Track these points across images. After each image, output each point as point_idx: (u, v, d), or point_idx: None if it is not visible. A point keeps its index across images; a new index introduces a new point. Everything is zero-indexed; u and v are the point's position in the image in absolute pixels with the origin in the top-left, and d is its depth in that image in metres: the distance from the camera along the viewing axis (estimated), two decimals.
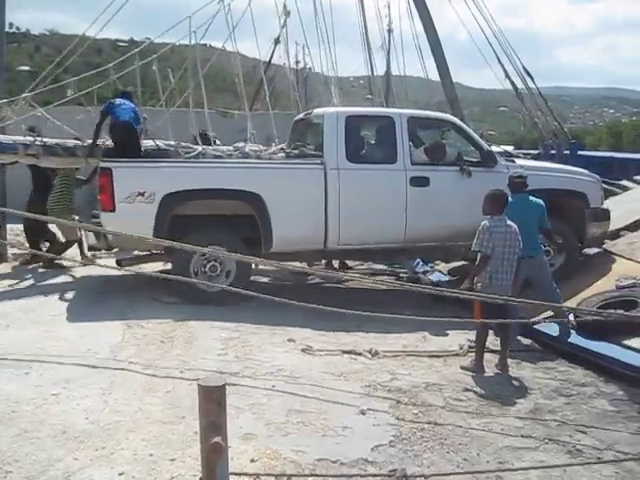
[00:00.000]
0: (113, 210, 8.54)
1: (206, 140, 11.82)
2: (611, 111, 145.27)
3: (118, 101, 10.39)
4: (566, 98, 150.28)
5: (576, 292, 8.80)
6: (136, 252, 9.79)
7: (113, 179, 8.56)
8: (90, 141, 10.30)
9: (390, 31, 30.19)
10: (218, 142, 12.45)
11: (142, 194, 8.57)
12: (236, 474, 4.07)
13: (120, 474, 4.19)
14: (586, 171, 10.55)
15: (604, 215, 10.17)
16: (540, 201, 7.85)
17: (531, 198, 7.81)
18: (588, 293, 8.57)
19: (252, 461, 4.42)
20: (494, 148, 12.19)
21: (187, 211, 8.75)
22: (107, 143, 10.31)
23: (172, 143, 11.05)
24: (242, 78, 14.65)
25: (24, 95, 11.51)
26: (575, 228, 9.90)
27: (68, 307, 8.33)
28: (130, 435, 4.76)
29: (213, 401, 3.85)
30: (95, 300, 8.60)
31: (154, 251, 9.49)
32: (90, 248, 10.69)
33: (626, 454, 4.89)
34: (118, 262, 9.71)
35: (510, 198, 7.30)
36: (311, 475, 4.28)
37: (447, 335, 7.97)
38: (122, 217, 8.52)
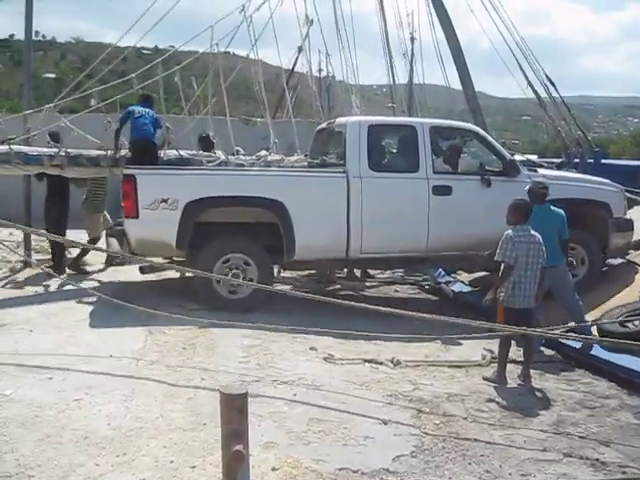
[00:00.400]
0: (137, 217, 8.61)
1: (207, 143, 11.85)
2: (635, 120, 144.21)
3: (137, 111, 10.44)
4: (590, 107, 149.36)
5: (599, 303, 8.75)
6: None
7: (137, 186, 8.62)
8: (112, 151, 10.39)
9: (413, 39, 30.23)
10: (241, 151, 12.49)
11: (165, 201, 8.63)
12: None
13: None
14: (609, 181, 10.48)
15: (627, 225, 10.08)
16: (561, 211, 7.82)
17: (552, 208, 7.77)
18: (611, 304, 8.50)
19: (273, 469, 4.41)
20: (517, 157, 12.14)
21: (210, 218, 8.80)
22: (129, 153, 10.39)
23: (195, 152, 11.12)
24: (264, 86, 14.74)
25: (48, 105, 11.63)
26: (598, 238, 9.83)
27: (91, 313, 8.37)
28: (151, 442, 4.77)
29: (235, 409, 3.86)
30: (117, 306, 8.58)
31: (176, 258, 9.51)
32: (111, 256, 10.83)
33: None
34: (141, 269, 9.78)
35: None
36: None
37: (468, 345, 7.91)
38: (145, 224, 8.60)
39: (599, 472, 4.74)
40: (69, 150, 10.33)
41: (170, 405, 5.47)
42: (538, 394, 6.39)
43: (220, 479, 4.06)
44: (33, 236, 11.44)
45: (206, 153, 11.19)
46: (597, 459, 4.97)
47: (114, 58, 13.60)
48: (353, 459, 4.68)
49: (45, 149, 10.40)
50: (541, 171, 10.50)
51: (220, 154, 11.19)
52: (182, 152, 10.99)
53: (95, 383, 5.87)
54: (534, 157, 20.33)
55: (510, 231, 6.81)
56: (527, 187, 7.91)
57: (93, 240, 11.13)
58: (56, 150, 10.26)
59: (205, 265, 8.62)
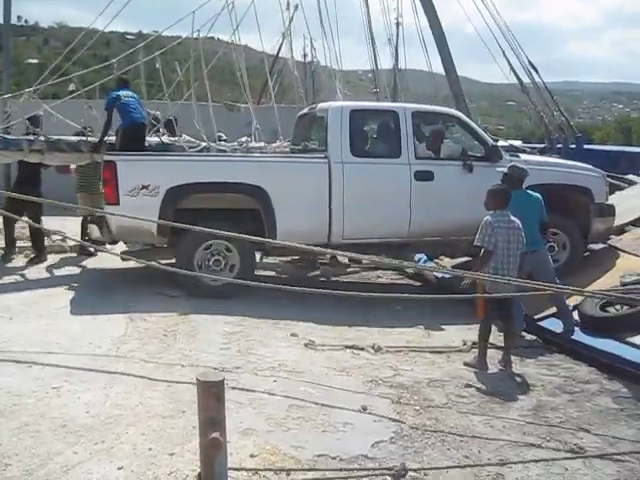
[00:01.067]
0: (117, 203, 8.55)
1: (172, 127, 11.77)
2: (620, 106, 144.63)
3: (123, 95, 10.24)
4: (575, 93, 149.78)
5: (581, 288, 8.77)
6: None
7: (117, 172, 8.58)
8: (94, 138, 10.29)
9: (398, 24, 30.17)
10: (223, 137, 12.43)
11: (146, 187, 8.59)
12: (235, 469, 4.08)
13: (119, 468, 4.18)
14: (591, 166, 10.51)
15: (609, 210, 10.13)
16: (538, 195, 7.89)
17: (530, 193, 7.83)
18: (593, 289, 8.53)
19: (251, 456, 4.40)
20: (501, 142, 12.15)
21: (191, 204, 8.74)
22: (110, 139, 10.30)
23: (174, 138, 11.05)
24: (248, 72, 14.65)
25: (28, 90, 11.50)
26: (580, 223, 9.89)
27: (72, 300, 8.31)
28: (130, 429, 4.75)
29: (212, 396, 3.85)
30: (99, 293, 8.59)
31: (157, 245, 9.46)
32: (93, 242, 10.75)
33: (628, 452, 4.84)
34: (122, 256, 9.72)
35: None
36: (310, 470, 4.26)
37: (450, 331, 7.95)
38: (126, 210, 8.51)
39: (577, 457, 4.76)
40: (49, 136, 10.23)
41: (149, 392, 5.45)
42: (518, 379, 6.43)
43: (198, 466, 4.07)
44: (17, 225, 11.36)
45: (174, 138, 11.11)
46: (576, 444, 5.01)
47: (98, 44, 13.44)
48: (332, 445, 4.68)
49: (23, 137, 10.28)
50: (523, 156, 10.51)
51: (186, 139, 11.10)
52: (163, 138, 10.93)
53: (74, 371, 5.82)
54: (518, 142, 20.35)
55: (489, 216, 6.83)
56: (505, 172, 7.96)
57: (84, 218, 11.10)
58: (36, 135, 10.16)
59: (187, 251, 8.62)
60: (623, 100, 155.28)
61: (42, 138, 10.11)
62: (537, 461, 4.56)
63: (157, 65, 13.30)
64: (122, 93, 10.27)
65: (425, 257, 11.63)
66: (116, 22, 13.24)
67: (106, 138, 10.27)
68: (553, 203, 9.43)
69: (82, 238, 10.85)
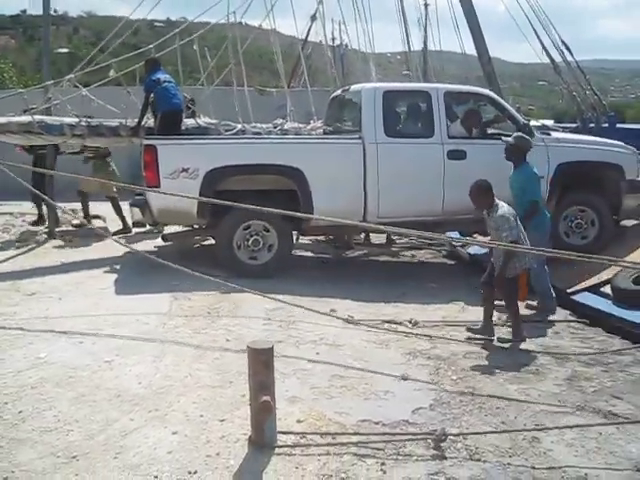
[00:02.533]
0: (158, 186, 8.75)
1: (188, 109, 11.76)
2: None
3: (162, 79, 10.35)
4: (606, 71, 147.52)
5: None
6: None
7: (158, 156, 8.80)
8: (135, 121, 10.52)
9: (427, 5, 30.09)
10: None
11: (186, 170, 8.79)
12: (283, 433, 4.30)
13: (173, 433, 4.43)
14: (622, 143, 10.57)
15: None
16: (536, 170, 8.12)
17: (532, 166, 8.05)
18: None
19: (298, 422, 4.63)
20: (532, 122, 12.20)
21: (230, 186, 8.92)
22: (149, 122, 10.54)
23: (213, 121, 11.25)
24: (280, 56, 14.81)
25: (68, 77, 11.76)
26: (610, 200, 9.97)
27: (116, 281, 8.60)
28: (181, 398, 5.00)
29: (261, 362, 4.09)
30: (141, 274, 8.85)
31: (197, 226, 9.71)
32: (135, 223, 11.04)
33: None
34: (163, 237, 10.00)
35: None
36: (355, 434, 4.46)
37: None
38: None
39: (611, 423, 4.91)
40: (89, 120, 10.51)
41: (197, 365, 5.70)
42: (553, 351, 6.55)
43: (249, 430, 4.31)
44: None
45: (225, 122, 11.28)
46: (609, 411, 5.15)
47: (126, 31, 13.63)
48: (374, 412, 4.89)
49: (67, 119, 10.57)
50: (555, 134, 10.58)
51: (263, 127, 11.34)
52: (199, 121, 11.14)
53: (124, 345, 6.12)
54: (550, 122, 20.27)
55: (506, 208, 6.88)
56: (510, 142, 8.05)
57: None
58: (77, 120, 10.43)
59: (227, 232, 8.85)
60: None
61: (83, 123, 10.38)
62: (572, 427, 4.71)
63: (195, 47, 13.52)
64: (161, 77, 10.41)
65: (458, 235, 11.76)
66: (144, 10, 13.50)
67: (145, 120, 10.52)
68: (583, 180, 9.57)
69: (86, 216, 11.82)
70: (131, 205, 10.05)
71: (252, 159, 9.00)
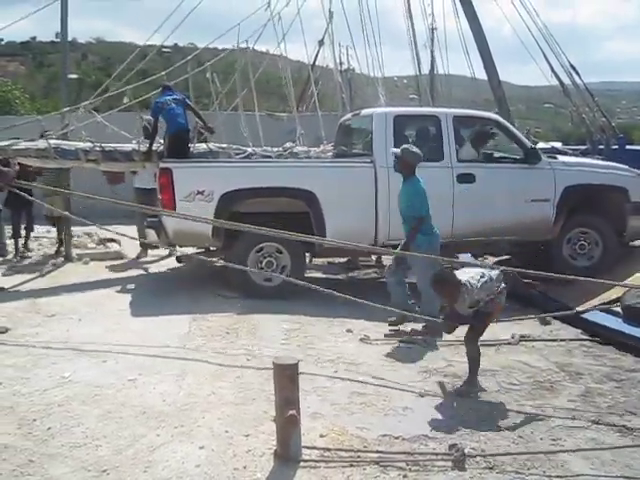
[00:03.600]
0: (174, 208, 8.92)
1: (147, 132, 11.69)
2: None
3: (167, 102, 10.65)
4: (613, 93, 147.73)
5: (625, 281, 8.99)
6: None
7: (174, 179, 8.99)
8: (146, 146, 10.75)
9: (434, 29, 30.35)
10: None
11: (201, 193, 8.98)
12: (308, 447, 4.43)
13: (200, 448, 4.56)
14: (626, 166, 10.81)
15: None
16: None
17: (421, 180, 8.00)
18: (637, 282, 8.73)
19: (321, 436, 4.76)
20: (541, 144, 12.38)
21: (244, 209, 9.10)
22: (160, 148, 10.76)
23: (223, 145, 11.46)
24: (290, 81, 15.08)
25: (84, 103, 12.03)
26: (614, 222, 10.16)
27: (134, 302, 8.77)
28: (206, 415, 5.14)
29: (287, 377, 4.23)
30: (158, 295, 9.02)
31: (212, 248, 9.86)
32: (147, 245, 11.22)
33: None
34: (178, 258, 10.17)
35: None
36: (377, 452, 4.58)
37: (497, 326, 8.19)
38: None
39: (626, 437, 5.02)
40: (104, 145, 10.73)
41: (219, 383, 5.85)
42: (566, 369, 6.64)
43: (274, 445, 4.44)
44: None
45: (236, 146, 11.51)
46: (624, 425, 5.24)
47: (136, 57, 13.90)
48: (394, 427, 5.02)
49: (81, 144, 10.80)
50: (561, 158, 10.78)
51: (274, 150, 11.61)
52: (210, 145, 11.34)
53: (146, 365, 6.27)
54: (558, 144, 20.41)
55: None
56: (397, 154, 7.99)
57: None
58: (91, 145, 10.65)
59: (240, 254, 9.00)
60: None
61: (97, 148, 10.60)
62: (587, 449, 4.84)
63: (207, 75, 13.77)
64: (167, 99, 10.69)
65: (470, 256, 11.91)
66: (153, 36, 13.81)
67: (157, 145, 10.74)
68: (589, 202, 9.76)
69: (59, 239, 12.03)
70: (146, 227, 10.20)
71: (266, 182, 9.18)
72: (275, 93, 19.01)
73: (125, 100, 13.18)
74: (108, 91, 13.17)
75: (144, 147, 10.74)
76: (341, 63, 31.72)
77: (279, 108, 23.67)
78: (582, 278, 6.82)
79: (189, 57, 13.43)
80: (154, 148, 10.72)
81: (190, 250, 10.18)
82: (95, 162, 10.72)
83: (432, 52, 30.64)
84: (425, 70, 27.46)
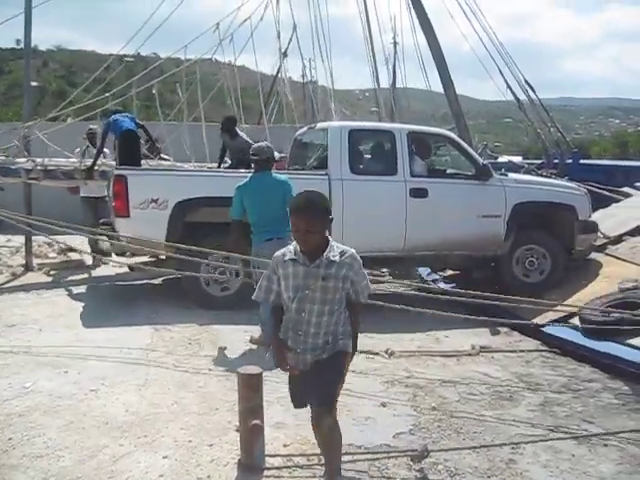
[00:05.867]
0: (127, 216, 8.91)
1: (93, 138, 12.31)
2: (617, 121, 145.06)
3: (114, 119, 11.04)
4: (572, 109, 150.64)
5: (582, 295, 9.18)
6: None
7: (128, 186, 8.93)
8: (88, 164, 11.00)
9: (396, 44, 30.61)
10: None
11: (155, 201, 8.93)
12: (271, 455, 4.46)
13: (164, 457, 4.56)
14: (575, 185, 11.11)
15: (592, 227, 10.63)
16: (284, 177, 7.76)
17: (275, 175, 7.72)
18: (592, 295, 8.92)
19: (285, 446, 4.80)
20: (500, 159, 12.59)
21: (198, 218, 9.07)
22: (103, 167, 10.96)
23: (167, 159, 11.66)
24: (246, 92, 15.22)
25: (50, 115, 12.13)
26: (564, 239, 10.34)
27: (96, 312, 8.70)
28: (169, 425, 5.14)
29: (251, 387, 4.27)
30: (120, 306, 8.98)
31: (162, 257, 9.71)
32: (102, 252, 11.17)
33: (629, 440, 5.20)
34: (130, 267, 10.09)
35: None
36: (342, 454, 4.63)
37: (458, 337, 8.34)
38: (136, 223, 8.91)
39: (583, 444, 5.13)
40: (46, 163, 10.93)
41: (183, 393, 5.85)
42: (525, 379, 6.76)
43: (237, 455, 4.46)
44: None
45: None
46: (581, 434, 5.35)
47: (97, 66, 13.93)
48: (357, 436, 5.06)
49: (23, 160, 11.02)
50: (512, 175, 10.96)
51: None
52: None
53: (109, 375, 6.24)
54: (519, 158, 20.78)
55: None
56: (253, 154, 7.76)
57: None
58: (33, 164, 10.77)
59: (194, 264, 8.91)
60: (619, 115, 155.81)
61: (39, 167, 10.80)
62: (546, 440, 4.96)
63: (153, 91, 13.85)
64: (114, 117, 10.95)
65: (429, 270, 12.06)
66: (115, 45, 13.97)
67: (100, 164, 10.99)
68: (537, 220, 9.98)
69: None
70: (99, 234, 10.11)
71: (220, 192, 8.98)
72: (239, 106, 18.97)
73: (68, 121, 13.32)
74: (73, 102, 13.17)
75: (86, 164, 10.99)
76: (304, 76, 31.87)
77: (241, 119, 23.69)
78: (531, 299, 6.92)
79: (151, 67, 13.44)
80: (96, 167, 10.91)
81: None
82: (37, 180, 10.88)
83: (394, 66, 30.93)
84: (386, 83, 27.66)
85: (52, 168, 10.82)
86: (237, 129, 11.80)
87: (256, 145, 7.86)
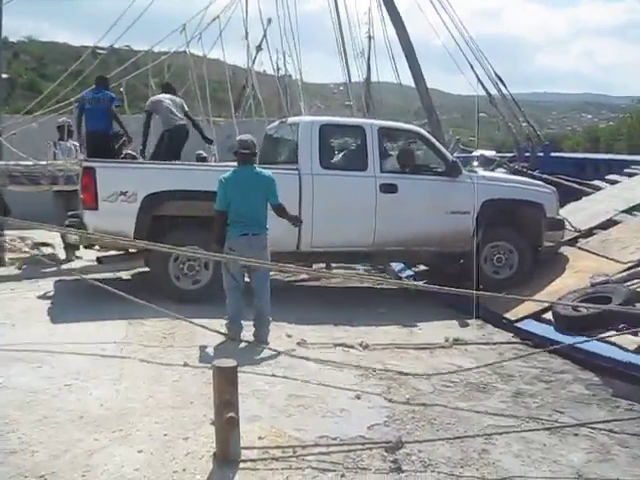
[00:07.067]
0: (96, 208, 8.84)
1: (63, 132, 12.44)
2: (589, 116, 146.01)
3: (89, 100, 11.13)
4: (544, 104, 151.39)
5: (554, 289, 9.30)
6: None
7: (96, 178, 8.84)
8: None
9: (371, 38, 30.65)
10: (204, 154, 13.15)
11: (124, 194, 8.85)
12: (247, 448, 4.48)
13: (139, 451, 4.55)
14: (543, 183, 11.32)
15: (559, 224, 10.79)
16: (268, 172, 7.63)
17: (258, 170, 7.58)
18: (564, 290, 9.04)
19: (260, 438, 4.81)
20: (476, 152, 12.68)
21: (166, 212, 9.02)
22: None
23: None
24: (220, 85, 15.21)
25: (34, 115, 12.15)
26: (532, 236, 10.46)
27: (69, 307, 8.59)
28: (144, 419, 5.13)
29: (226, 380, 4.29)
30: (93, 300, 8.88)
31: (132, 250, 9.70)
32: (70, 245, 11.11)
33: (600, 430, 5.31)
34: (98, 260, 10.02)
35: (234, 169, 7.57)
36: (315, 446, 4.68)
37: (431, 330, 8.43)
38: (104, 215, 8.85)
39: (554, 434, 5.22)
40: (11, 168, 10.96)
41: (157, 387, 5.84)
42: (498, 371, 6.84)
43: (213, 448, 4.48)
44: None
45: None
46: (552, 423, 5.46)
47: (69, 58, 13.91)
48: (331, 428, 5.11)
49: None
50: (481, 172, 11.06)
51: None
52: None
53: (83, 370, 6.19)
54: (492, 152, 20.92)
55: None
56: (236, 149, 7.65)
57: None
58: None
59: (163, 257, 8.88)
60: (592, 110, 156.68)
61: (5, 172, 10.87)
62: (519, 431, 5.03)
63: (121, 89, 13.83)
64: (89, 97, 10.89)
65: (403, 265, 12.13)
66: (87, 37, 13.93)
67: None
68: (506, 216, 10.09)
69: None
70: (67, 226, 10.04)
71: (189, 185, 9.07)
72: (211, 97, 18.90)
73: (35, 125, 13.32)
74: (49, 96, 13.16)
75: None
76: (278, 69, 31.80)
77: (215, 113, 23.61)
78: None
79: (127, 63, 13.40)
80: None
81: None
82: (2, 186, 10.93)
83: (368, 60, 30.95)
84: (360, 78, 27.67)
85: (16, 174, 10.86)
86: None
87: (242, 138, 7.72)
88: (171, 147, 11.33)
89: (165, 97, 11.76)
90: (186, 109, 11.99)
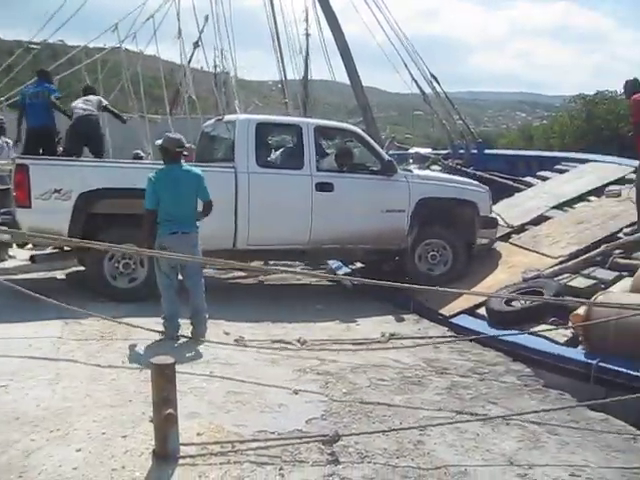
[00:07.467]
0: (29, 206, 8.73)
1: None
2: (523, 115, 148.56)
3: (29, 94, 11.04)
4: (480, 102, 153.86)
5: (487, 284, 9.54)
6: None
7: (29, 175, 8.72)
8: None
9: (308, 35, 30.72)
10: (141, 154, 13.03)
11: (58, 191, 8.76)
12: (185, 444, 4.51)
13: (77, 450, 4.53)
14: (477, 182, 11.59)
15: (492, 222, 11.07)
16: (198, 170, 7.73)
17: (187, 167, 7.66)
18: (497, 285, 9.28)
19: (198, 434, 4.84)
20: (412, 150, 12.89)
21: (101, 209, 8.97)
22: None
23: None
24: (157, 82, 15.15)
25: None
26: (466, 234, 10.71)
27: (3, 308, 8.43)
28: (82, 418, 5.10)
29: (164, 377, 4.32)
30: (27, 299, 8.73)
31: (66, 248, 9.62)
32: (2, 244, 10.91)
33: (530, 420, 5.48)
34: (32, 259, 9.88)
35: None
36: (254, 440, 4.73)
37: (368, 325, 8.56)
38: (38, 213, 8.73)
39: (487, 424, 5.37)
40: None
41: (95, 386, 5.82)
42: (433, 364, 7.01)
43: (152, 445, 4.50)
44: None
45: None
46: (485, 414, 5.63)
47: (1, 53, 13.72)
48: (270, 423, 5.17)
49: None
50: (416, 171, 11.33)
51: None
52: None
53: (19, 370, 6.11)
54: (428, 150, 21.19)
55: None
56: (160, 145, 7.65)
57: None
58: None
59: (98, 256, 8.83)
60: (526, 109, 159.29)
61: None
62: (452, 423, 5.19)
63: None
64: (29, 92, 10.73)
65: (340, 263, 12.25)
66: (20, 31, 13.72)
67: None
68: (441, 215, 10.32)
69: None
70: None
71: (124, 183, 9.01)
72: (147, 93, 18.78)
73: None
74: None
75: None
76: (216, 66, 31.63)
77: (151, 110, 23.40)
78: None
79: (62, 60, 13.23)
80: None
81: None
82: None
83: (306, 58, 31.03)
84: (297, 75, 27.74)
85: None
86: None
87: (166, 136, 7.75)
88: (73, 138, 11.38)
89: (79, 101, 11.74)
90: (104, 104, 12.09)
